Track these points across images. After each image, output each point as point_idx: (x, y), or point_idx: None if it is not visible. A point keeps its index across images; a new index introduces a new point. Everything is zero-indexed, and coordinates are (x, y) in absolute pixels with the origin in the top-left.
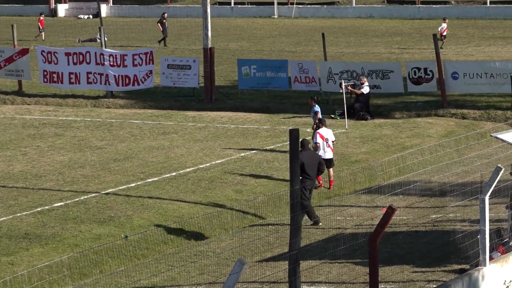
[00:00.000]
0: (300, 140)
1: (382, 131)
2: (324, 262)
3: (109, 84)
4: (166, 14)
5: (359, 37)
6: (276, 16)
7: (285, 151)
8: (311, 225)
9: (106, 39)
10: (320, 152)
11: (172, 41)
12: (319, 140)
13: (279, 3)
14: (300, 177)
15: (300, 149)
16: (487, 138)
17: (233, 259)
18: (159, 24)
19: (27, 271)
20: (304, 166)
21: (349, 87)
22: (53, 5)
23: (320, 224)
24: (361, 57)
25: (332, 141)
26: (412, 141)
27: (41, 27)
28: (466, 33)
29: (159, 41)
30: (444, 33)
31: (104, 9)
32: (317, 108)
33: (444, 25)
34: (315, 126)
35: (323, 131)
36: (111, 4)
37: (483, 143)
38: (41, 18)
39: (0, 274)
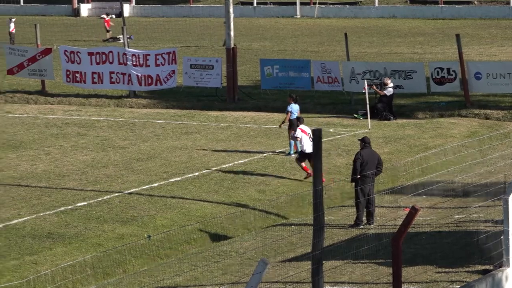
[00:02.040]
0: (362, 137)
1: (405, 131)
2: (347, 262)
3: (132, 84)
4: None
5: (381, 37)
6: (298, 16)
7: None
8: (349, 226)
9: (131, 38)
10: (305, 146)
11: (195, 41)
12: (299, 134)
13: (301, 3)
14: (359, 176)
15: (361, 147)
16: (510, 139)
17: (256, 259)
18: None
19: (51, 271)
20: (364, 165)
21: (374, 87)
22: (76, 5)
23: (361, 227)
24: (384, 57)
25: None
26: (435, 142)
27: (107, 27)
28: (489, 33)
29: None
30: None
31: (127, 9)
32: (290, 107)
33: None
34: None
35: (304, 127)
36: (134, 4)
37: (506, 144)
38: (107, 18)
39: (23, 274)
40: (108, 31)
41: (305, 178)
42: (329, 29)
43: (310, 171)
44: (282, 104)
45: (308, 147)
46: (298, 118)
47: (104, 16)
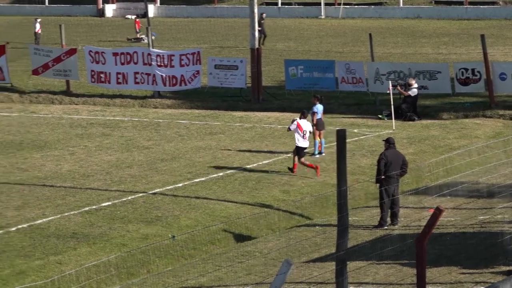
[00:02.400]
0: (387, 138)
1: (429, 132)
2: (371, 263)
3: (157, 84)
4: (264, 15)
5: (406, 38)
6: (323, 17)
7: (332, 152)
8: (373, 226)
9: (154, 37)
10: (301, 142)
11: (219, 41)
12: (293, 127)
13: (326, 4)
14: (383, 177)
15: (385, 147)
16: None
17: (280, 260)
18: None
19: (75, 271)
20: (388, 165)
21: (398, 87)
22: (100, 6)
23: (386, 228)
24: (409, 58)
25: (310, 132)
26: (459, 142)
27: (137, 28)
28: None
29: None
30: None
31: (151, 9)
32: (316, 108)
33: None
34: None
35: (303, 122)
36: (159, 4)
37: None
38: (137, 19)
39: (48, 273)
40: (138, 32)
41: (290, 170)
42: (353, 30)
43: (296, 169)
44: (306, 104)
45: (300, 142)
46: (302, 112)
47: (135, 16)
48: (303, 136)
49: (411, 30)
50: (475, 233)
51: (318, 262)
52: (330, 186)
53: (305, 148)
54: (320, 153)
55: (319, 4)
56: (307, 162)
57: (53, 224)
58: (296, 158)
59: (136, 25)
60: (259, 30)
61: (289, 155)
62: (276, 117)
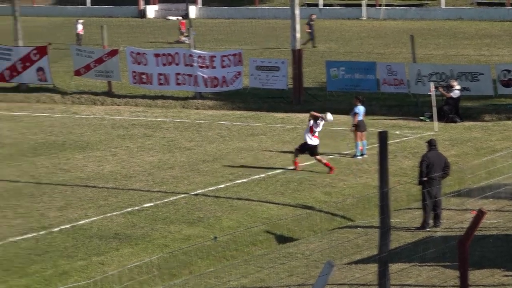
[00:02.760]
0: (429, 139)
1: (471, 133)
2: (413, 265)
3: (198, 85)
4: (314, 16)
5: (448, 39)
6: (364, 18)
7: (374, 154)
8: (415, 228)
9: (193, 34)
10: (312, 140)
11: (261, 42)
12: (329, 118)
13: (367, 5)
14: (425, 179)
15: (427, 149)
16: None
17: (322, 261)
18: (307, 25)
19: (117, 271)
20: (430, 167)
21: (440, 89)
22: (142, 7)
23: (428, 230)
24: (450, 59)
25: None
26: (502, 144)
27: (182, 29)
28: None
29: (305, 43)
30: None
31: (193, 11)
32: (357, 109)
33: None
34: (353, 127)
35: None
36: (200, 6)
37: None
38: (183, 20)
39: (90, 274)
40: (182, 33)
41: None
42: (395, 31)
43: (298, 166)
44: (348, 106)
45: (312, 140)
46: (317, 117)
47: (180, 18)
48: (313, 135)
49: (452, 32)
50: None
51: (360, 264)
52: (372, 187)
53: (316, 145)
54: (362, 154)
55: (360, 5)
56: (324, 161)
57: (95, 224)
58: (320, 157)
59: (181, 26)
60: (309, 32)
61: (330, 156)
62: None
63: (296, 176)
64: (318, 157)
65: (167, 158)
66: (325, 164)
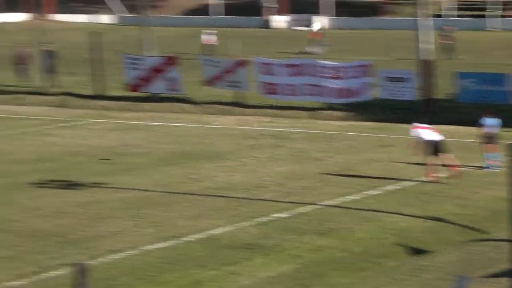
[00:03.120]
0: None
1: None
2: None
3: (327, 96)
4: (454, 27)
5: None
6: (490, 29)
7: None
8: None
9: (324, 44)
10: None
11: (388, 53)
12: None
13: (492, 16)
14: None
15: None
16: None
17: (455, 274)
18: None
19: (252, 282)
20: None
21: None
22: (267, 17)
23: None
24: None
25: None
26: None
27: (314, 38)
28: None
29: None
30: None
31: (321, 21)
32: (484, 121)
33: None
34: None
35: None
36: (327, 17)
37: None
38: (313, 31)
39: (223, 284)
40: (311, 43)
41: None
42: None
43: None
44: (477, 118)
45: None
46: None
47: (309, 28)
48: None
49: None
50: None
51: (493, 278)
52: (505, 200)
53: (437, 140)
54: (489, 167)
55: (483, 16)
56: (450, 162)
57: (226, 234)
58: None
59: (311, 36)
60: (450, 44)
61: (463, 169)
62: (447, 130)
63: (426, 188)
64: (444, 156)
65: (296, 169)
66: (450, 167)
